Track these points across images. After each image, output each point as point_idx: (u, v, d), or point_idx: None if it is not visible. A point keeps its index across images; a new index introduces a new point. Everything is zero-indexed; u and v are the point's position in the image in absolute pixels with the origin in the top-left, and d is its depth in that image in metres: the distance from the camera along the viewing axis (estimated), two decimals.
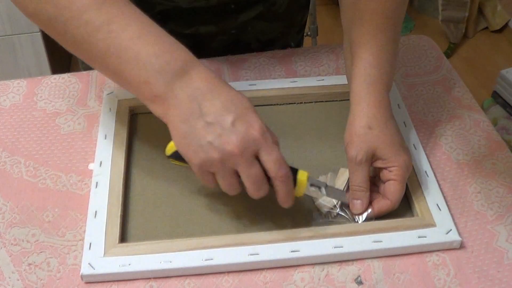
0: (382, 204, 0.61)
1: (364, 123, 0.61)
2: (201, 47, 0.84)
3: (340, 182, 0.63)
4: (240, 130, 0.53)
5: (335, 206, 0.61)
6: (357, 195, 0.60)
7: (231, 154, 0.52)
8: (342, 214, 0.61)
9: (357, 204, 0.60)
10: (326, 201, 0.61)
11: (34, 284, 0.56)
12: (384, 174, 0.61)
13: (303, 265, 0.58)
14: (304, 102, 0.75)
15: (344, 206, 0.62)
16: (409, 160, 0.61)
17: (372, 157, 0.61)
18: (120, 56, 0.55)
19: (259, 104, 0.74)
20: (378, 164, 0.61)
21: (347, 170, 0.62)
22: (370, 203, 0.61)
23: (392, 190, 0.60)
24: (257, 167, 0.54)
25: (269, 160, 0.54)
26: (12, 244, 0.59)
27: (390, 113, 0.62)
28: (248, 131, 0.53)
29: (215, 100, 0.54)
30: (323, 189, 0.59)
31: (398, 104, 0.73)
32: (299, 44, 0.97)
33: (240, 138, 0.52)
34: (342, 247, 0.58)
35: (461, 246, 0.59)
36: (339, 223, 0.60)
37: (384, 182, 0.61)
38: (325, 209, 0.61)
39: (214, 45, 0.86)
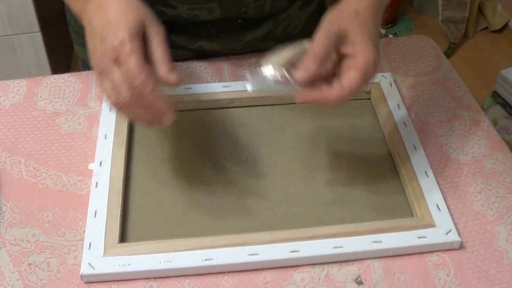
0: (334, 88, 0.56)
1: (352, 9, 0.59)
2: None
3: (295, 52, 0.59)
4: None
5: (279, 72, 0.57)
6: (306, 64, 0.57)
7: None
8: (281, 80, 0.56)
9: (302, 71, 0.56)
10: (273, 66, 0.57)
11: (34, 284, 0.56)
12: (347, 63, 0.57)
13: (303, 265, 0.58)
14: None
15: (289, 74, 0.57)
16: (377, 58, 0.57)
17: (343, 38, 0.57)
18: None
19: (259, 104, 0.74)
20: (346, 48, 0.57)
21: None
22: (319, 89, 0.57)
23: (350, 77, 0.56)
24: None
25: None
26: (12, 244, 0.59)
27: (378, 21, 0.60)
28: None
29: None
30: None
31: (398, 104, 0.73)
32: None
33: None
34: (342, 247, 0.58)
35: (461, 246, 0.59)
36: (276, 90, 0.57)
37: (343, 73, 0.57)
38: (268, 72, 0.57)
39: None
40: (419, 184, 0.64)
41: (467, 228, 0.61)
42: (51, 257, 0.58)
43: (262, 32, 0.81)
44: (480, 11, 2.38)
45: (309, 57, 0.57)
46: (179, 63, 0.80)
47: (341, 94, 0.56)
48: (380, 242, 0.58)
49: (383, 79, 0.76)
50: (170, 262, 0.56)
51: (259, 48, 0.83)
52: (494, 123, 1.88)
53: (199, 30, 0.79)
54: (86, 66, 0.88)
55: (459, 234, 0.60)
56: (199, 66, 0.80)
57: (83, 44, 0.86)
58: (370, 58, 0.56)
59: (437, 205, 0.62)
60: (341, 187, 0.65)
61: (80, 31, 0.85)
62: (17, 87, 0.77)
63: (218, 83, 0.76)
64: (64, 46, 1.97)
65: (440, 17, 2.29)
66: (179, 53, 0.81)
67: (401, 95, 0.75)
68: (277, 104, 0.74)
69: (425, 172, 0.65)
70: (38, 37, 1.74)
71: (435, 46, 0.85)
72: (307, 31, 0.86)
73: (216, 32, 0.79)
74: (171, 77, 0.56)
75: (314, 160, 0.68)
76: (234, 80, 0.78)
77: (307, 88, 0.57)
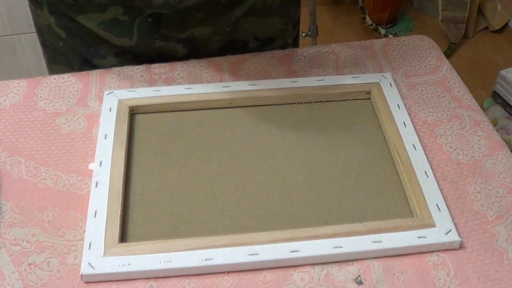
0: None
1: None
2: (198, 51, 0.84)
3: None
4: None
5: None
6: None
7: None
8: None
9: None
10: None
11: (34, 284, 0.56)
12: None
13: (303, 265, 0.58)
14: (304, 102, 0.75)
15: None
16: None
17: None
18: None
19: (259, 104, 0.74)
20: None
21: None
22: None
23: None
24: None
25: None
26: (12, 244, 0.59)
27: None
28: None
29: None
30: None
31: (398, 104, 0.73)
32: (295, 40, 0.96)
33: None
34: (341, 247, 0.58)
35: (461, 246, 0.60)
36: None
37: None
38: None
39: (210, 47, 0.86)
40: (419, 184, 0.64)
41: (467, 228, 0.61)
42: (51, 257, 0.58)
43: (245, 8, 0.83)
44: (480, 11, 2.38)
45: None
46: (179, 63, 0.80)
47: None
48: (380, 242, 0.58)
49: (383, 79, 0.76)
50: (170, 262, 0.56)
51: (245, 28, 0.85)
52: (494, 123, 1.88)
53: (187, 18, 0.79)
54: (53, 70, 0.88)
55: (459, 234, 0.60)
56: (199, 66, 0.80)
57: (61, 62, 0.86)
58: None
59: (437, 205, 0.62)
60: (341, 187, 0.65)
61: (57, 49, 0.85)
62: (17, 87, 0.77)
63: (218, 83, 0.76)
64: None
65: (440, 17, 2.29)
66: (170, 45, 0.82)
67: (401, 95, 0.75)
68: (277, 104, 0.74)
69: (425, 172, 0.65)
70: None
71: (435, 46, 0.85)
72: (285, 2, 0.87)
73: (204, 16, 0.80)
74: None
75: (314, 160, 0.68)
76: (234, 80, 0.78)
77: None
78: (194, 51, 0.84)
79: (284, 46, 0.91)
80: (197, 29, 0.81)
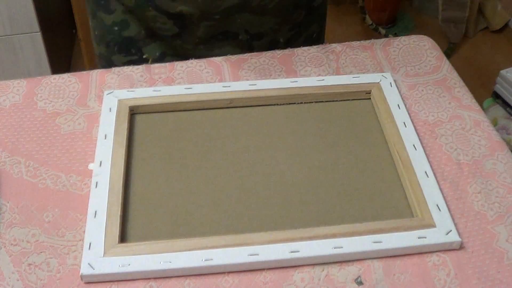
0: None
1: None
2: (187, 32, 0.85)
3: None
4: None
5: None
6: None
7: None
8: None
9: None
10: None
11: (34, 284, 0.56)
12: None
13: (303, 265, 0.58)
14: (304, 102, 0.75)
15: None
16: None
17: None
18: None
19: (259, 104, 0.74)
20: None
21: None
22: None
23: None
24: None
25: None
26: (12, 244, 0.59)
27: None
28: None
29: None
30: None
31: (398, 104, 0.73)
32: (289, 41, 0.94)
33: None
34: (342, 247, 0.58)
35: (461, 246, 0.60)
36: None
37: None
38: None
39: (199, 33, 0.87)
40: (419, 184, 0.64)
41: (467, 228, 0.61)
42: (51, 257, 0.58)
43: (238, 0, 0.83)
44: (480, 11, 2.38)
45: None
46: (179, 63, 0.80)
47: None
48: (380, 242, 0.58)
49: (383, 79, 0.76)
50: (170, 262, 0.56)
51: (237, 22, 0.86)
52: (494, 123, 1.88)
53: None
54: (105, 61, 0.93)
55: (459, 234, 0.60)
56: (199, 66, 0.80)
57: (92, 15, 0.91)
58: None
59: (437, 205, 0.62)
60: (341, 187, 0.65)
61: (91, 4, 0.90)
62: (17, 87, 0.77)
63: (218, 83, 0.76)
64: (64, 46, 1.97)
65: (440, 17, 2.29)
66: (162, 20, 0.84)
67: (401, 95, 0.75)
68: (277, 104, 0.74)
69: (425, 172, 0.65)
70: (38, 37, 1.74)
71: (435, 46, 0.85)
72: (282, 4, 0.88)
73: None
74: None
75: (314, 160, 0.68)
76: (234, 80, 0.78)
77: None
78: (184, 32, 0.86)
79: (273, 43, 0.91)
80: (186, 7, 0.82)
